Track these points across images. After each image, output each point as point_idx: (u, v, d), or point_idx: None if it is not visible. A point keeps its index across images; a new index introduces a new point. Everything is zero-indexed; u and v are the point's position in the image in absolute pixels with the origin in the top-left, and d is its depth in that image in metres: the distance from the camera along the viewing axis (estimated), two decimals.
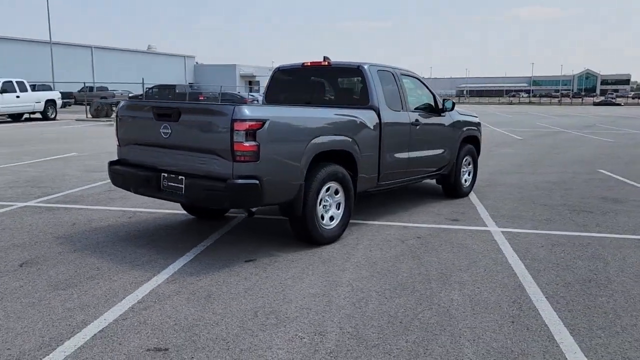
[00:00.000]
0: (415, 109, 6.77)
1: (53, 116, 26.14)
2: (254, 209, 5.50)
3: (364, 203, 7.24)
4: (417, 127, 6.56)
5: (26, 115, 25.91)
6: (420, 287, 4.20)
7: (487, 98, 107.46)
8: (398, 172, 6.34)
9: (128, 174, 5.14)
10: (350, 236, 5.63)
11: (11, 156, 11.89)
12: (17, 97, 23.53)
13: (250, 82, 67.08)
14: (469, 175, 7.99)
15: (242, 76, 66.58)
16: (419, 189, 8.44)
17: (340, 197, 5.42)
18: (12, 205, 6.91)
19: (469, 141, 7.92)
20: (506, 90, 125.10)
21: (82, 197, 7.43)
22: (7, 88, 23.21)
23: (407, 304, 3.87)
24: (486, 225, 6.18)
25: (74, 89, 44.43)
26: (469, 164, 7.96)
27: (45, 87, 41.09)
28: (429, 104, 7.03)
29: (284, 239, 5.40)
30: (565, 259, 4.96)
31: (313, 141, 4.92)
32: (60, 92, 37.17)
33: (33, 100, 24.74)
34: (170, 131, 4.80)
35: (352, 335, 3.36)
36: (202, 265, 4.63)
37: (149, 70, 56.26)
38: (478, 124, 8.10)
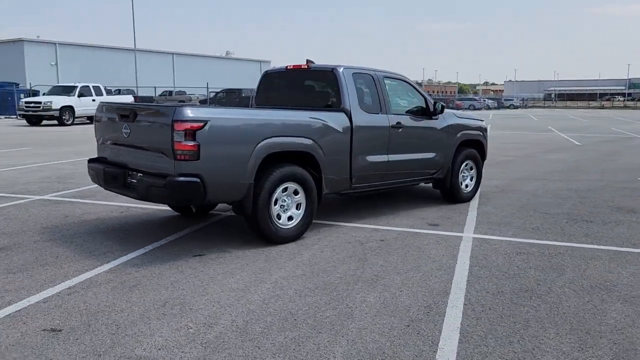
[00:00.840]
0: (404, 112, 6.73)
1: None
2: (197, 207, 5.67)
3: (350, 205, 7.27)
4: (400, 130, 6.51)
5: None
6: (343, 288, 4.22)
7: (577, 102, 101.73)
8: (377, 175, 6.33)
9: (100, 170, 5.53)
10: (314, 236, 5.71)
11: (64, 155, 12.94)
12: (93, 100, 25.34)
13: None
14: (470, 180, 7.78)
15: None
16: (422, 192, 8.30)
17: (300, 197, 5.51)
18: (27, 198, 7.58)
19: (471, 145, 7.71)
20: (600, 94, 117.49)
21: (94, 193, 7.99)
22: (84, 92, 25.09)
23: (316, 303, 3.92)
24: (462, 232, 6.03)
25: (156, 93, 46.93)
26: (471, 169, 7.75)
27: (130, 91, 43.98)
28: (420, 107, 6.94)
29: (250, 237, 5.56)
30: (519, 268, 4.77)
31: (263, 142, 5.05)
32: (142, 96, 39.58)
33: None
34: (129, 131, 5.12)
35: (238, 328, 3.48)
36: (151, 258, 4.91)
37: (225, 75, 58.53)
38: (482, 128, 7.87)
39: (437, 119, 7.08)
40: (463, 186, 7.62)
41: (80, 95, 24.92)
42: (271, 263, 4.81)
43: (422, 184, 7.70)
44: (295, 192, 5.49)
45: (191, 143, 4.61)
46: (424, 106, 6.98)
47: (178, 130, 4.58)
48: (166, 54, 55.78)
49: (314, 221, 5.84)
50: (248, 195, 5.04)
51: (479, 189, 8.08)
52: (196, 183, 4.66)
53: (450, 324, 3.59)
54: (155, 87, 40.91)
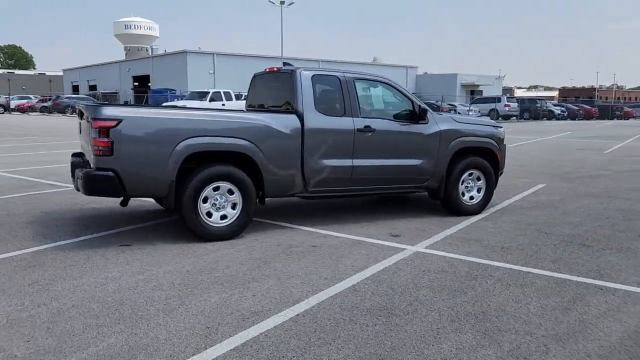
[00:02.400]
0: (382, 115, 6.45)
1: None
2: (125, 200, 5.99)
3: (332, 209, 7.12)
4: (369, 134, 6.24)
5: None
6: (203, 287, 4.25)
7: None
8: (340, 180, 6.15)
9: (70, 164, 6.18)
10: (251, 236, 5.76)
11: None
12: (223, 104, 27.53)
13: (472, 92, 65.23)
14: (478, 192, 7.12)
15: (463, 85, 65.12)
16: (430, 202, 7.75)
17: (235, 197, 5.59)
18: (58, 188, 8.65)
19: (477, 153, 7.06)
20: None
21: None
22: (215, 97, 27.44)
23: (157, 297, 4.02)
24: (414, 245, 5.60)
25: None
26: (478, 180, 7.09)
27: None
28: (406, 111, 6.56)
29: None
30: (414, 286, 4.35)
31: (185, 142, 5.25)
32: None
33: (236, 107, 28.58)
34: (81, 128, 5.68)
35: (55, 311, 3.73)
36: (82, 244, 5.38)
37: None
38: (493, 136, 7.14)
39: (425, 123, 6.62)
40: (466, 198, 7.01)
41: (211, 99, 27.28)
42: (174, 257, 4.98)
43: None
44: (230, 192, 5.57)
45: (105, 140, 4.98)
46: (409, 110, 6.57)
47: (94, 128, 4.99)
48: (312, 61, 58.06)
49: (271, 222, 5.86)
50: (170, 192, 5.26)
51: (506, 202, 7.33)
52: (110, 177, 5.01)
53: (245, 335, 3.45)
54: None
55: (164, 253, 5.12)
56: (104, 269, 4.62)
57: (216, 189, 5.50)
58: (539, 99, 48.26)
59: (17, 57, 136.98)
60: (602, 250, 5.50)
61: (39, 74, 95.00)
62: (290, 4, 47.53)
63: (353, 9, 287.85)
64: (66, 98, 44.35)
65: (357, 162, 6.21)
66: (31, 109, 45.89)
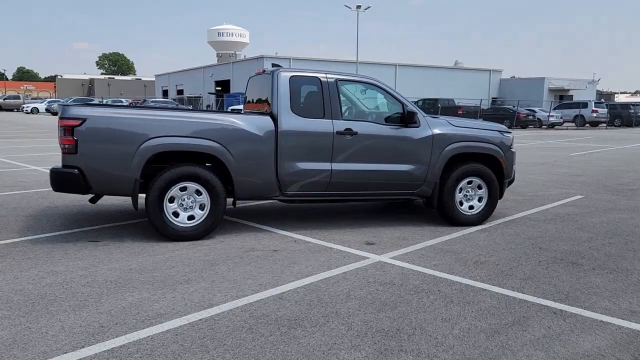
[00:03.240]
0: (366, 118, 6.23)
1: None
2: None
3: (323, 214, 6.94)
4: (350, 137, 6.02)
5: None
6: (121, 285, 4.26)
7: None
8: (318, 184, 5.99)
9: None
10: (220, 236, 5.74)
11: None
12: None
13: (562, 97, 61.66)
14: (479, 201, 6.66)
15: (552, 90, 61.72)
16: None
17: (203, 198, 5.60)
18: None
19: (478, 160, 6.62)
20: None
21: None
22: None
23: (66, 292, 4.08)
24: (381, 254, 5.33)
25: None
26: (479, 188, 6.63)
27: None
28: (396, 115, 6.27)
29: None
30: (348, 298, 4.12)
31: (149, 142, 5.32)
32: None
33: None
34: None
35: None
36: (56, 238, 5.59)
37: (450, 86, 57.73)
38: (497, 141, 6.64)
39: (416, 127, 6.29)
40: (464, 207, 6.58)
41: None
42: (129, 256, 5.05)
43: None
44: (198, 193, 5.58)
45: (69, 138, 5.15)
46: (400, 113, 6.26)
47: (60, 127, 5.18)
48: (389, 66, 57.49)
49: (250, 224, 5.82)
50: (134, 191, 5.36)
51: (521, 214, 6.83)
52: (74, 174, 5.18)
53: (132, 337, 3.41)
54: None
55: (123, 250, 5.20)
56: (54, 263, 4.76)
57: (183, 189, 5.52)
58: (634, 105, 44.55)
59: (120, 64, 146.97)
60: (591, 270, 4.94)
61: (136, 79, 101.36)
62: (366, 9, 47.34)
63: (435, 11, 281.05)
64: (151, 101, 46.85)
65: (337, 166, 6.01)
66: None
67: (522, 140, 23.69)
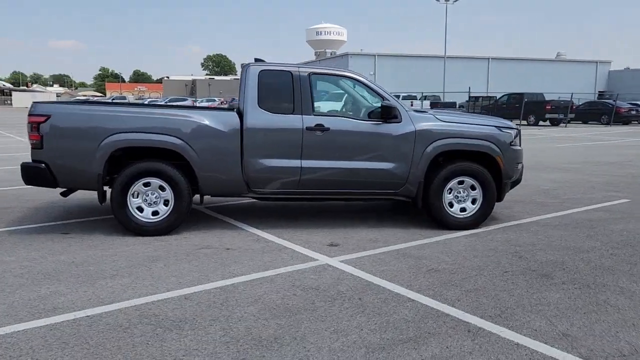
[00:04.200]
0: (342, 114, 5.96)
1: None
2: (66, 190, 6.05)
3: (316, 214, 6.73)
4: (321, 133, 5.78)
5: None
6: (42, 278, 4.34)
7: None
8: (287, 182, 5.81)
9: None
10: (184, 233, 5.72)
11: None
12: None
13: None
14: (473, 203, 6.13)
15: None
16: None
17: (167, 194, 5.63)
18: None
19: (471, 158, 6.09)
20: None
21: None
22: None
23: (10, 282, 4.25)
24: (330, 256, 5.06)
25: (463, 98, 46.77)
26: (473, 189, 6.10)
27: (436, 98, 45.52)
28: (376, 110, 5.93)
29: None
30: (253, 302, 3.93)
31: (110, 137, 5.43)
32: (444, 102, 40.60)
33: None
34: None
35: None
36: (34, 230, 5.87)
37: (552, 79, 54.33)
38: (493, 138, 6.06)
39: (397, 122, 5.90)
40: (455, 209, 6.08)
41: None
42: (84, 249, 5.16)
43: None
44: (162, 188, 5.62)
45: (35, 134, 5.39)
46: (379, 108, 5.90)
47: (28, 123, 5.43)
48: (481, 59, 55.09)
49: (225, 220, 5.82)
50: (99, 186, 5.50)
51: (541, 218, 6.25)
52: (41, 168, 5.41)
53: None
54: (468, 93, 40.66)
55: (82, 243, 5.35)
56: (10, 253, 4.99)
57: (147, 185, 5.57)
58: None
59: (222, 65, 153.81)
60: (559, 284, 4.35)
61: (234, 79, 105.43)
62: (455, 1, 45.71)
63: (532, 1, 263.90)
64: (236, 101, 48.50)
65: (308, 163, 5.78)
66: None
67: (609, 138, 21.70)
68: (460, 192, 6.08)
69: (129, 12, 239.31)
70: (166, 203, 5.63)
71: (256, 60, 6.28)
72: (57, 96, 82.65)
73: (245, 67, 5.85)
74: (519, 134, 6.44)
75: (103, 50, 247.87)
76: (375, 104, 6.00)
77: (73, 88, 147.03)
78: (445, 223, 6.05)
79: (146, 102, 36.74)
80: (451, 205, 6.07)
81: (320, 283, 4.30)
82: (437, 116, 6.05)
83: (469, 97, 29.30)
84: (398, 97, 35.23)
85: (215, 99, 56.89)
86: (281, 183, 5.80)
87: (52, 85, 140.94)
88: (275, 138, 5.72)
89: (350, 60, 49.97)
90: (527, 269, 4.72)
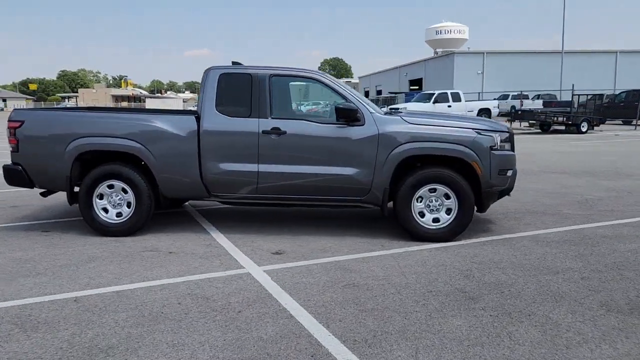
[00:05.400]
0: (303, 116, 5.77)
1: None
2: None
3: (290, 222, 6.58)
4: (277, 137, 5.62)
5: None
6: None
7: None
8: (245, 186, 5.73)
9: None
10: (145, 235, 5.85)
11: None
12: (449, 106, 26.55)
13: None
14: (447, 213, 5.62)
15: None
16: None
17: (129, 196, 5.81)
18: None
19: (444, 164, 5.59)
20: None
21: None
22: (440, 99, 26.61)
23: None
24: (258, 265, 4.90)
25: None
26: (447, 198, 5.58)
27: (551, 96, 42.66)
28: (339, 110, 5.64)
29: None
30: (125, 310, 3.94)
31: (75, 142, 5.72)
32: (559, 101, 37.92)
33: (465, 110, 27.15)
34: None
35: None
36: (20, 227, 6.36)
37: None
38: (466, 142, 5.49)
39: (360, 125, 5.58)
40: (426, 219, 5.61)
41: (435, 101, 26.54)
42: (44, 248, 5.46)
43: None
44: (125, 191, 5.81)
45: (13, 138, 5.83)
46: (341, 110, 5.61)
47: (7, 128, 5.89)
48: (606, 53, 50.18)
49: (200, 222, 5.94)
50: (67, 186, 5.82)
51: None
52: (17, 170, 5.85)
53: None
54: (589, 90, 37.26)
55: (48, 242, 5.66)
56: None
57: (111, 187, 5.78)
58: None
59: (339, 68, 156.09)
60: (475, 310, 3.83)
61: (346, 81, 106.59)
62: None
63: None
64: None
65: (265, 167, 5.64)
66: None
67: None
68: (432, 201, 5.57)
69: (257, 20, 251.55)
70: (129, 205, 5.79)
71: (233, 63, 6.23)
72: (183, 102, 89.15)
73: (206, 70, 5.84)
74: (509, 138, 5.76)
75: (232, 57, 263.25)
76: (323, 105, 5.69)
77: None
78: (415, 234, 5.59)
79: None
80: (422, 214, 5.59)
81: (218, 293, 4.16)
82: (405, 118, 5.60)
83: (572, 95, 26.82)
84: (507, 96, 33.53)
85: (321, 102, 57.67)
86: (239, 188, 5.71)
87: (184, 92, 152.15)
88: (231, 142, 5.65)
89: (456, 60, 48.17)
90: (459, 290, 4.20)
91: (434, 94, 27.24)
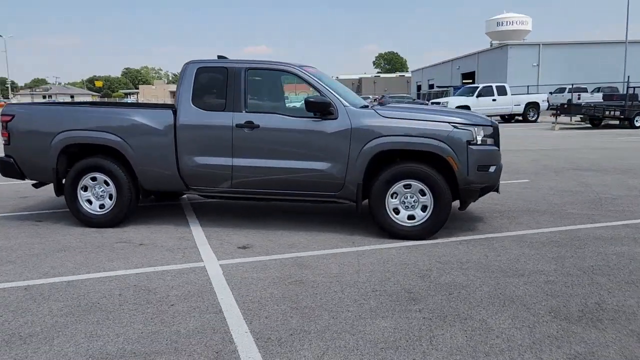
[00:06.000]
0: (277, 110, 5.72)
1: (534, 118, 26.76)
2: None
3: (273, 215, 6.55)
4: (250, 130, 5.60)
5: (518, 118, 27.57)
6: None
7: None
8: (220, 180, 5.74)
9: None
10: (126, 228, 5.98)
11: None
12: (493, 100, 25.71)
13: None
14: (423, 210, 5.43)
15: None
16: None
17: (111, 188, 5.96)
18: None
19: (420, 159, 5.41)
20: None
21: None
22: (484, 92, 25.79)
23: None
24: (220, 258, 4.90)
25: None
26: (422, 194, 5.40)
27: (613, 90, 40.76)
28: (308, 103, 5.50)
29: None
30: (65, 299, 4.03)
31: (59, 135, 5.90)
32: (620, 94, 36.21)
33: (511, 103, 26.23)
34: None
35: None
36: (14, 217, 6.65)
37: None
38: (441, 136, 5.27)
39: (332, 118, 5.47)
40: (401, 216, 5.45)
41: (479, 95, 25.75)
42: (26, 237, 5.69)
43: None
44: (107, 183, 5.96)
45: (5, 131, 6.10)
46: (314, 103, 5.51)
47: (1, 122, 6.16)
48: None
49: (188, 216, 6.03)
50: (53, 178, 6.03)
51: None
52: (9, 162, 6.11)
53: None
54: None
55: (34, 231, 5.88)
56: None
57: (94, 179, 5.94)
58: None
59: (394, 62, 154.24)
60: (409, 312, 3.68)
61: (400, 75, 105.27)
62: None
63: None
64: (389, 97, 48.19)
65: (239, 161, 5.64)
66: None
67: None
68: (407, 198, 5.39)
69: (310, 16, 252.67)
70: (111, 197, 5.93)
71: (219, 57, 6.25)
72: None
73: (184, 65, 5.88)
74: (494, 133, 5.49)
75: (290, 54, 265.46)
76: (297, 100, 5.60)
77: None
78: (390, 231, 5.43)
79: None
80: (397, 211, 5.42)
81: (162, 286, 4.19)
82: (379, 112, 5.43)
83: (627, 87, 25.27)
84: (563, 90, 32.07)
85: (370, 96, 57.27)
86: (215, 181, 5.73)
87: None
88: (206, 135, 5.67)
89: (510, 52, 46.53)
90: (406, 291, 4.04)
91: (477, 87, 26.43)
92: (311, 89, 5.63)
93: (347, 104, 5.48)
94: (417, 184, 5.33)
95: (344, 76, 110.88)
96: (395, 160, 5.48)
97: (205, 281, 4.28)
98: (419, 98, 54.08)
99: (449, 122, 5.30)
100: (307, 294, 3.98)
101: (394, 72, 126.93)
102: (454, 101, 25.87)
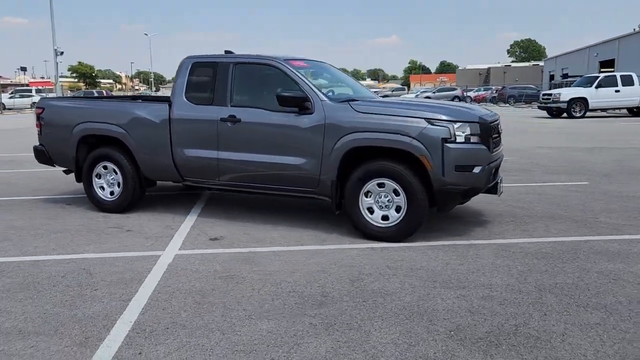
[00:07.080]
0: (260, 104, 5.75)
1: None
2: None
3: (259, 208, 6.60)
4: (233, 124, 5.71)
5: None
6: None
7: None
8: (208, 172, 5.91)
9: None
10: (130, 216, 6.40)
11: None
12: (617, 91, 23.19)
13: None
14: (397, 211, 5.18)
15: None
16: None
17: (119, 177, 6.43)
18: None
19: (393, 157, 5.14)
20: None
21: None
22: (604, 83, 23.33)
23: None
24: (185, 249, 5.09)
25: None
26: (396, 194, 5.14)
27: None
28: (279, 98, 5.33)
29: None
30: (20, 277, 4.47)
31: (77, 126, 6.48)
32: None
33: (638, 95, 23.43)
34: None
35: None
36: (51, 200, 7.40)
37: None
38: (414, 132, 4.93)
39: (309, 113, 5.39)
40: (375, 216, 5.23)
41: (599, 86, 23.32)
42: (42, 217, 6.32)
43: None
44: (116, 172, 6.44)
45: (38, 122, 6.83)
46: (291, 97, 5.45)
47: (36, 114, 6.90)
48: None
49: (191, 206, 6.41)
50: (74, 165, 6.65)
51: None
52: (42, 150, 6.84)
53: None
54: None
55: (56, 213, 6.49)
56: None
57: (105, 167, 6.45)
58: None
59: (531, 50, 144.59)
60: (308, 317, 3.56)
61: (533, 64, 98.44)
62: None
63: None
64: (510, 88, 45.36)
65: (223, 154, 5.77)
66: (484, 100, 49.05)
67: None
68: (381, 197, 5.15)
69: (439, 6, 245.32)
70: (119, 185, 6.38)
71: (226, 52, 6.42)
72: None
73: (182, 60, 6.11)
74: (481, 130, 5.03)
75: (418, 44, 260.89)
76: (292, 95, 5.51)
77: (385, 81, 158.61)
78: (364, 231, 5.24)
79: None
80: (371, 211, 5.20)
81: (106, 271, 4.43)
82: (354, 107, 5.22)
83: None
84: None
85: (481, 88, 54.14)
86: (203, 173, 5.92)
87: (365, 79, 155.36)
88: (195, 129, 5.87)
89: (620, 44, 41.27)
90: (321, 294, 3.90)
91: (597, 77, 23.92)
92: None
93: (324, 98, 5.33)
94: (390, 183, 5.05)
95: (471, 66, 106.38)
96: (375, 158, 5.24)
97: (146, 270, 4.45)
98: (550, 88, 50.02)
99: (424, 118, 4.94)
100: (223, 290, 3.99)
101: (528, 61, 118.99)
102: (567, 92, 23.70)
